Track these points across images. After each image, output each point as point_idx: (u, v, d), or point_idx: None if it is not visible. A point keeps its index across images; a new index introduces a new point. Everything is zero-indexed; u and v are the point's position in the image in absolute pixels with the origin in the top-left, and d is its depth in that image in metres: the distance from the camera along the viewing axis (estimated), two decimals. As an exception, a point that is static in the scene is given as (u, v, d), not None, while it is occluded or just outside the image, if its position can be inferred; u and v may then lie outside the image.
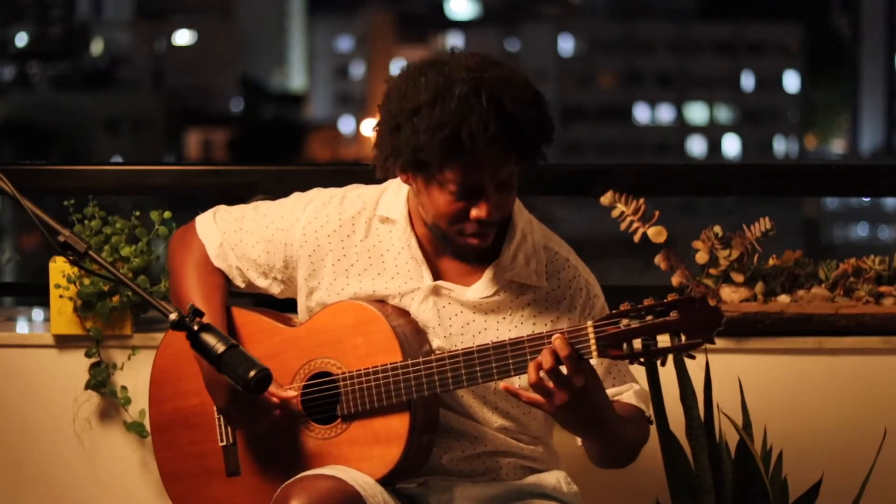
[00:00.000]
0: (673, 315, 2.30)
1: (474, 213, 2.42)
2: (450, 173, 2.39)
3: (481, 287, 2.54)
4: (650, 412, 2.61)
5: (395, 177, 2.51)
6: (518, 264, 2.54)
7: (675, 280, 3.24)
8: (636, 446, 2.56)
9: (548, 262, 2.58)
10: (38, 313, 3.60)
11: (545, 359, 2.32)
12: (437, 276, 2.56)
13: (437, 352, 2.52)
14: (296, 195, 2.68)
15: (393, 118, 2.42)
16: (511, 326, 2.54)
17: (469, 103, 2.34)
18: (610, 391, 2.55)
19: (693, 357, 2.36)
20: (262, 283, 2.66)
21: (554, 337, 2.33)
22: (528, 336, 2.40)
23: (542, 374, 2.33)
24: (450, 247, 2.51)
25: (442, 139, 2.35)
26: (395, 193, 2.60)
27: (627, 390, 2.58)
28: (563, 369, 2.32)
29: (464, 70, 2.38)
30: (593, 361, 2.38)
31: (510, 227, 2.55)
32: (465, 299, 2.54)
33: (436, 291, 2.55)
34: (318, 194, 2.66)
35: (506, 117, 2.35)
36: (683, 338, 2.30)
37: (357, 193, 2.63)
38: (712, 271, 3.23)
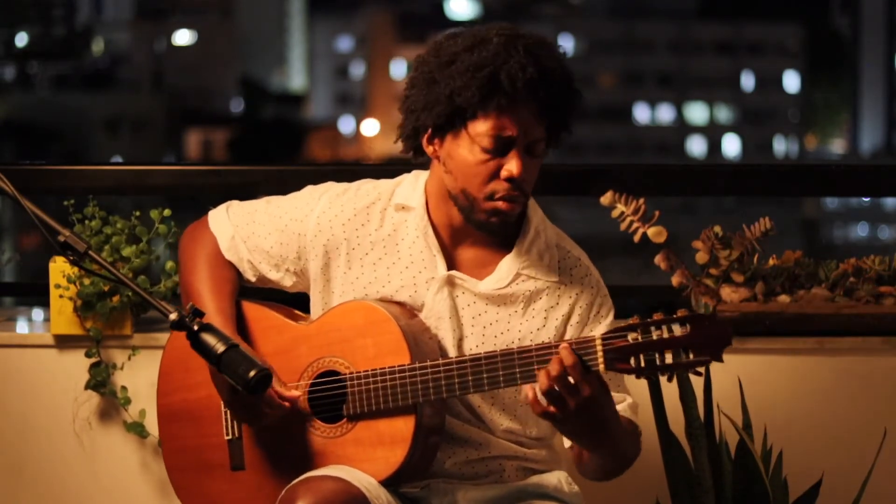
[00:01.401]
0: (682, 331, 2.29)
1: (505, 171, 2.45)
2: (483, 122, 2.44)
3: (495, 279, 2.55)
4: (639, 425, 2.61)
5: (419, 152, 2.54)
6: (532, 258, 2.56)
7: (675, 280, 3.24)
8: (631, 460, 2.56)
9: (560, 258, 2.59)
10: (38, 313, 3.60)
11: (552, 367, 2.32)
12: (451, 265, 2.57)
13: (443, 351, 2.53)
14: (309, 188, 2.68)
15: (428, 73, 2.48)
16: (523, 319, 2.55)
17: (507, 50, 2.43)
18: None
19: (700, 374, 2.35)
20: (274, 275, 2.66)
21: (561, 346, 2.34)
22: (535, 345, 2.40)
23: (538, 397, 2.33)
24: (474, 220, 2.51)
25: (480, 79, 2.41)
26: (411, 184, 2.61)
27: (622, 401, 2.57)
28: (571, 379, 2.32)
29: (497, 29, 2.48)
30: None
31: (525, 223, 2.57)
32: (478, 290, 2.55)
33: (450, 282, 2.55)
34: (331, 186, 2.67)
35: (542, 68, 2.42)
36: (691, 354, 2.29)
37: (372, 185, 2.65)
38: (712, 271, 3.23)
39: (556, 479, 2.62)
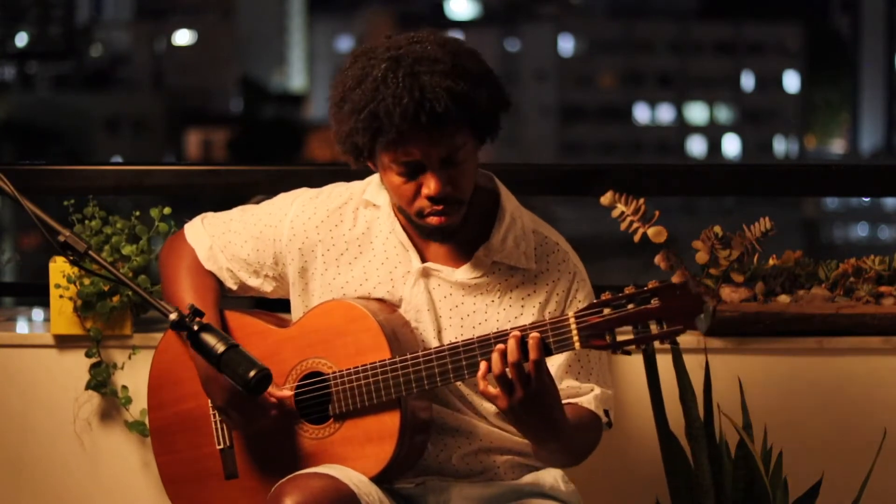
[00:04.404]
0: (654, 302, 2.31)
1: (424, 190, 2.45)
2: (384, 156, 2.45)
3: (470, 268, 2.56)
4: (610, 416, 2.58)
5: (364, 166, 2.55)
6: (507, 246, 2.56)
7: (675, 280, 3.24)
8: (585, 453, 2.56)
9: (537, 244, 2.59)
10: (38, 313, 3.60)
11: (494, 363, 2.33)
12: (424, 258, 2.58)
13: (424, 343, 2.53)
14: (282, 195, 2.72)
15: (330, 109, 2.49)
16: (500, 308, 2.55)
17: (385, 82, 2.38)
18: (570, 383, 2.54)
19: (676, 344, 2.36)
20: (253, 282, 2.68)
21: (509, 337, 2.34)
22: (510, 329, 2.39)
23: (488, 377, 2.35)
24: (422, 232, 2.54)
25: (363, 122, 2.40)
26: (378, 183, 2.63)
27: (588, 392, 2.56)
28: (509, 374, 2.33)
29: (386, 51, 2.42)
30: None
31: (499, 211, 2.57)
32: (454, 280, 2.56)
33: (425, 273, 2.57)
34: (304, 191, 2.70)
35: (420, 91, 2.37)
36: (665, 325, 2.31)
37: (344, 186, 2.68)
38: (712, 271, 3.23)
39: (553, 477, 2.62)
